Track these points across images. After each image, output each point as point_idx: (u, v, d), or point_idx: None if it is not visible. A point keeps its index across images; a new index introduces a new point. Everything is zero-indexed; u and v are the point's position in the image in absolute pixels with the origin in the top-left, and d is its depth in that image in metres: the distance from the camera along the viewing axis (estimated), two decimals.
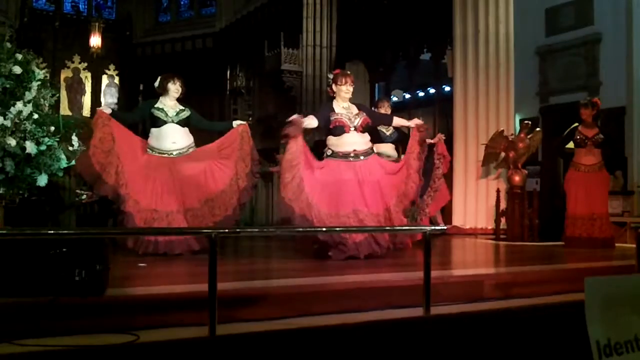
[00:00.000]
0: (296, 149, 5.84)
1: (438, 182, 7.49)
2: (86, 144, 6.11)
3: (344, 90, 6.16)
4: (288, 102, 15.40)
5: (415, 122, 6.38)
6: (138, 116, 6.78)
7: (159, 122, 6.34)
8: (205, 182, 6.30)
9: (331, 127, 6.06)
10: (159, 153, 6.31)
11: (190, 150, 6.44)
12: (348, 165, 6.00)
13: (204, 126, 6.88)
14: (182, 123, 6.41)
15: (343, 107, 6.18)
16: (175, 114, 6.38)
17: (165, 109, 6.37)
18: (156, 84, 6.54)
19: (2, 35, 6.41)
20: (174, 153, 6.32)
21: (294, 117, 5.99)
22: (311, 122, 6.06)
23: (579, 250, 7.08)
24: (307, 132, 6.16)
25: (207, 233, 3.35)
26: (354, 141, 6.09)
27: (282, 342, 3.30)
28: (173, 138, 6.33)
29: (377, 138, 7.21)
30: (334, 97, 6.24)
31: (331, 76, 6.35)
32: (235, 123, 6.71)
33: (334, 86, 6.22)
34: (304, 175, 5.82)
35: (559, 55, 10.75)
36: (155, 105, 6.41)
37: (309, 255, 5.98)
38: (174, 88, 6.45)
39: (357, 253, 5.73)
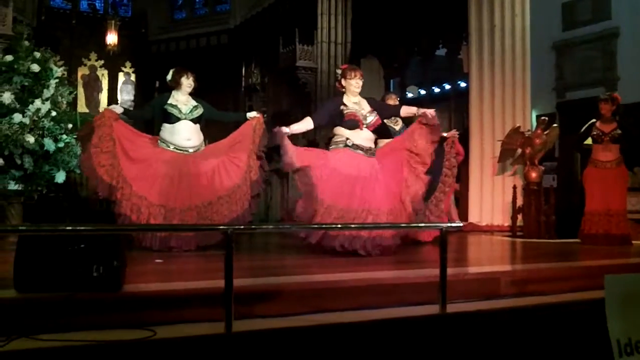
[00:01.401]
0: (292, 151, 5.84)
1: (451, 180, 7.45)
2: (84, 144, 6.03)
3: (354, 85, 6.12)
4: (303, 99, 15.41)
5: (425, 110, 6.27)
6: (149, 112, 6.63)
7: (172, 119, 6.29)
8: (219, 179, 6.30)
9: (345, 120, 6.03)
10: (175, 148, 6.29)
11: (202, 147, 6.45)
12: (365, 160, 5.99)
13: (217, 117, 6.87)
14: (196, 120, 6.39)
15: (354, 102, 6.14)
16: (188, 110, 6.33)
17: (178, 106, 6.32)
18: (169, 77, 6.49)
19: (20, 34, 6.48)
20: (190, 150, 6.31)
21: (276, 129, 5.98)
22: (303, 126, 6.07)
23: (596, 247, 7.03)
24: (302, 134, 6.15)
25: (223, 229, 3.36)
26: (368, 137, 6.09)
27: (297, 338, 3.31)
28: (187, 135, 6.31)
29: (386, 134, 7.19)
30: (344, 92, 6.21)
31: (339, 71, 6.33)
32: (249, 115, 6.69)
33: (343, 81, 6.18)
34: (313, 170, 5.82)
35: (575, 50, 10.68)
36: (169, 102, 6.34)
37: (324, 252, 5.98)
38: (187, 83, 6.41)
39: (365, 251, 5.73)
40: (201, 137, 6.46)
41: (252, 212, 6.35)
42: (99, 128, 6.01)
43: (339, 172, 5.87)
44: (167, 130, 6.32)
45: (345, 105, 6.09)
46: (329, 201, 5.74)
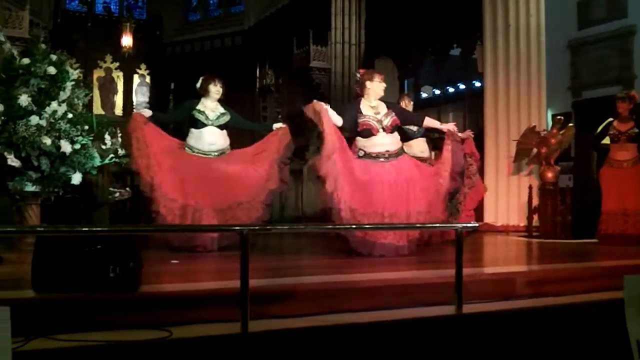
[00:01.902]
0: (332, 142, 5.78)
1: (474, 179, 7.46)
2: (128, 148, 6.35)
3: (378, 88, 6.12)
4: (317, 99, 15.39)
5: (449, 127, 6.29)
6: (179, 116, 6.78)
7: (198, 124, 6.42)
8: (240, 185, 6.35)
9: (359, 130, 6.02)
10: (199, 153, 6.39)
11: (227, 151, 6.51)
12: (377, 166, 5.96)
13: (244, 126, 7.08)
14: (222, 126, 6.50)
15: (371, 106, 6.10)
16: (215, 117, 6.46)
17: (206, 112, 6.45)
18: (198, 84, 6.62)
19: (36, 36, 6.52)
20: (213, 154, 6.40)
21: (316, 102, 5.99)
22: (337, 119, 6.01)
23: (613, 248, 6.98)
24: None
25: (238, 230, 3.37)
26: (384, 142, 6.03)
27: (312, 339, 3.31)
28: (211, 140, 6.42)
29: (404, 136, 7.20)
30: (362, 96, 6.19)
31: (359, 75, 6.31)
32: (275, 126, 6.82)
33: (367, 83, 6.14)
34: (340, 171, 5.76)
35: (591, 49, 10.59)
36: (197, 107, 6.47)
37: (339, 252, 5.98)
38: (215, 90, 6.54)
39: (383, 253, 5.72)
40: (227, 141, 6.57)
41: (265, 220, 6.40)
42: (133, 132, 6.20)
43: (357, 178, 5.86)
44: (193, 135, 6.45)
45: (360, 112, 6.07)
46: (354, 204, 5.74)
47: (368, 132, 5.99)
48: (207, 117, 6.42)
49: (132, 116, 6.49)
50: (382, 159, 5.97)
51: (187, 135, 6.49)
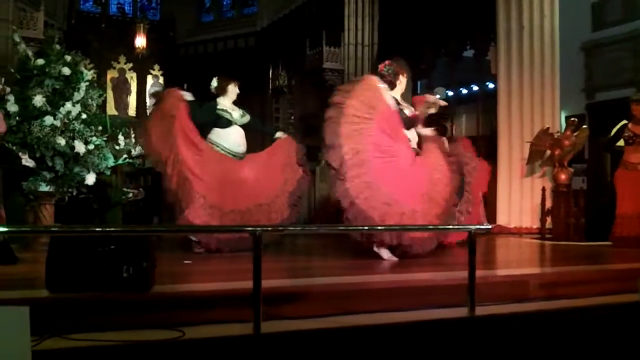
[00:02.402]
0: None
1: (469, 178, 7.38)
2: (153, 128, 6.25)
3: (405, 84, 6.17)
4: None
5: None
6: (205, 116, 6.53)
7: (224, 123, 6.43)
8: (260, 187, 6.37)
9: (409, 120, 5.99)
10: (223, 150, 6.40)
11: (245, 155, 6.57)
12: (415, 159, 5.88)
13: (258, 127, 7.19)
14: (245, 126, 6.55)
15: (401, 101, 6.10)
16: (239, 116, 6.50)
17: (229, 110, 6.46)
18: (214, 84, 6.61)
19: (51, 37, 6.57)
20: (238, 156, 6.45)
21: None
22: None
23: (627, 250, 6.93)
24: None
25: (251, 231, 3.37)
26: (414, 138, 6.09)
27: (325, 340, 3.31)
28: (237, 141, 6.47)
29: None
30: (393, 87, 6.04)
31: (390, 66, 6.13)
32: (277, 135, 6.85)
33: (401, 77, 6.11)
34: (375, 170, 5.60)
35: (605, 51, 10.54)
36: (219, 107, 6.48)
37: (352, 253, 5.98)
38: (234, 90, 6.59)
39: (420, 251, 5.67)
40: (246, 145, 6.60)
41: (292, 221, 6.40)
42: (166, 112, 6.21)
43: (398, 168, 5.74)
44: (216, 133, 6.45)
45: (401, 104, 6.03)
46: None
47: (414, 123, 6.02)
48: (231, 116, 6.46)
49: (170, 92, 6.49)
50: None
51: (209, 134, 6.48)
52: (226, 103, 6.52)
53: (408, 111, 6.03)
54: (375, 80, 5.80)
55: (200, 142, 6.30)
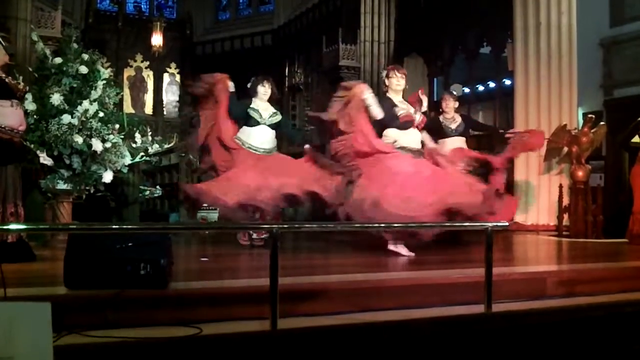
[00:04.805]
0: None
1: None
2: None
3: (394, 83, 6.12)
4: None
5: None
6: (238, 110, 6.64)
7: (252, 122, 6.49)
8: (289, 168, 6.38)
9: (401, 122, 6.00)
10: (248, 147, 6.44)
11: (274, 152, 6.59)
12: (414, 160, 5.96)
13: (287, 130, 7.19)
14: (273, 126, 6.56)
15: (399, 101, 6.12)
16: (268, 116, 6.52)
17: (260, 111, 6.51)
18: (249, 85, 6.73)
19: (69, 36, 6.61)
20: (260, 151, 6.45)
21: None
22: (377, 113, 5.98)
23: None
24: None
25: (268, 228, 3.38)
26: (417, 138, 6.10)
27: (342, 337, 3.31)
28: (262, 139, 6.49)
29: (442, 134, 7.20)
30: (387, 92, 6.19)
31: (384, 72, 6.36)
32: (305, 147, 6.69)
33: (386, 80, 6.19)
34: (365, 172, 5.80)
35: (624, 47, 10.45)
36: (251, 106, 6.55)
37: (368, 250, 5.97)
38: (263, 90, 6.62)
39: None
40: (275, 143, 6.62)
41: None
42: (217, 82, 6.46)
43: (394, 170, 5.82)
44: (245, 132, 6.52)
45: (396, 105, 6.06)
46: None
47: (409, 124, 6.02)
48: (260, 116, 6.50)
49: (221, 79, 6.55)
50: (415, 154, 6.02)
51: (238, 132, 6.57)
52: (259, 103, 6.57)
53: (403, 112, 6.03)
54: (361, 90, 5.93)
55: (229, 142, 6.46)
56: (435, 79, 14.81)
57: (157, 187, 10.25)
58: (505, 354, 3.59)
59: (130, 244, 3.51)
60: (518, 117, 10.11)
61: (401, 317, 3.59)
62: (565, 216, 8.97)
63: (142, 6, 21.29)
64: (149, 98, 20.61)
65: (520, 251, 7.30)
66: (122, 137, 6.59)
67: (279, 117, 6.66)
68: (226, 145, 6.45)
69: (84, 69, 6.27)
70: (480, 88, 15.10)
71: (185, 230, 6.11)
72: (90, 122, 6.13)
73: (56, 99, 6.01)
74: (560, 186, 9.11)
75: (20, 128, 4.78)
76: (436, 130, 7.28)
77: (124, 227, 3.55)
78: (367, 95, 5.91)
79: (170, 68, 20.98)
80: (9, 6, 9.93)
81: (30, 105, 5.90)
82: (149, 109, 20.42)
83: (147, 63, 20.46)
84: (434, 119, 7.66)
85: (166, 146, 8.71)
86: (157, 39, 19.19)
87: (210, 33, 21.41)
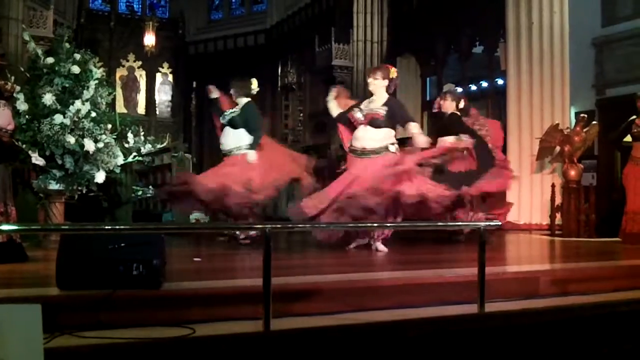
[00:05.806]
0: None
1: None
2: None
3: (369, 84, 6.23)
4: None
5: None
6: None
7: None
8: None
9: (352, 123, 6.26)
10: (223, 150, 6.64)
11: (238, 152, 6.54)
12: (356, 160, 6.13)
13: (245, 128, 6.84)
14: (230, 124, 6.57)
15: (368, 101, 6.21)
16: (227, 114, 6.52)
17: (225, 111, 6.58)
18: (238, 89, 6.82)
19: (61, 36, 6.58)
20: (228, 153, 6.57)
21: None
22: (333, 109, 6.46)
23: (638, 247, 6.90)
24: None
25: (261, 228, 3.37)
26: (364, 136, 6.09)
27: (336, 337, 3.31)
28: (223, 139, 6.55)
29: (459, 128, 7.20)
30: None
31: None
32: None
33: (368, 79, 6.32)
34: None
35: (616, 46, 10.48)
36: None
37: (361, 250, 5.97)
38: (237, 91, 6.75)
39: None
40: (239, 141, 6.57)
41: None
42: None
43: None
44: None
45: (356, 106, 6.25)
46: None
47: (352, 126, 6.25)
48: (224, 117, 6.62)
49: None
50: (358, 154, 6.12)
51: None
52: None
53: (361, 114, 6.11)
54: (331, 94, 6.62)
55: None
56: (428, 79, 14.83)
57: (150, 187, 10.21)
58: (499, 353, 3.59)
59: (123, 244, 3.50)
60: (511, 116, 10.14)
61: (394, 317, 3.59)
62: (558, 215, 9.00)
63: (135, 6, 21.23)
64: (141, 98, 20.56)
65: (513, 250, 7.31)
66: (115, 137, 6.57)
67: (236, 112, 6.61)
68: None
69: (76, 69, 6.25)
70: (473, 87, 15.12)
71: (178, 231, 6.09)
72: (83, 122, 6.10)
73: (48, 98, 5.98)
74: (553, 185, 9.13)
75: (9, 127, 4.77)
76: (447, 128, 7.26)
77: (117, 227, 3.54)
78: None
79: (163, 68, 20.94)
80: (1, 6, 9.91)
81: (22, 105, 5.87)
82: (141, 109, 20.38)
83: (140, 63, 20.42)
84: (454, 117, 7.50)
85: (159, 146, 8.69)
86: (149, 39, 19.15)
87: (203, 33, 21.38)
